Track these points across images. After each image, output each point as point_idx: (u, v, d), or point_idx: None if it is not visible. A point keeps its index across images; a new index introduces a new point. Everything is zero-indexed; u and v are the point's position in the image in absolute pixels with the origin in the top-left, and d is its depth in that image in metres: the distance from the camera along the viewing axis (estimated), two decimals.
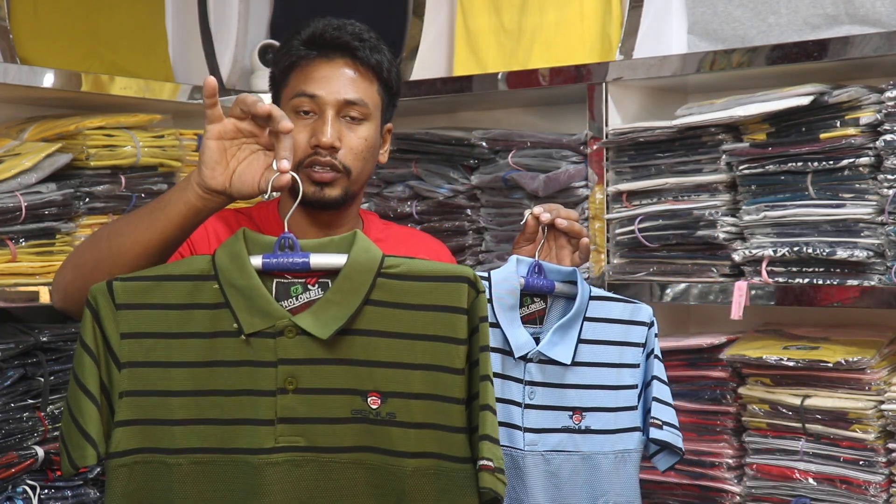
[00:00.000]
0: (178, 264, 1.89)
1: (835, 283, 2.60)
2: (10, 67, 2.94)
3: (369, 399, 1.83)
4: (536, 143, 3.04)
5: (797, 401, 2.63)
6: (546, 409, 2.19)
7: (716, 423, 2.77)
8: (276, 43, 3.67)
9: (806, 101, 2.59)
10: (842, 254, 2.57)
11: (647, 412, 2.27)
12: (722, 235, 2.75)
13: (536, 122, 3.25)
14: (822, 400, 2.61)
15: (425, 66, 3.45)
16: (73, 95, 3.07)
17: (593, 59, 3.12)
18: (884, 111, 2.52)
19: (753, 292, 2.68)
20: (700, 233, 2.77)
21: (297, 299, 1.86)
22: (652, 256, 2.85)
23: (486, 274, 2.18)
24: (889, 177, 2.51)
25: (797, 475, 2.64)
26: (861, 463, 2.56)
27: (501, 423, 1.94)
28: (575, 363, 2.20)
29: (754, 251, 2.70)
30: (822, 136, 2.59)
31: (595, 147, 2.92)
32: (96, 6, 3.34)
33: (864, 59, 2.58)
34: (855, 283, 2.58)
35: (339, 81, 2.28)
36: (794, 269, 2.66)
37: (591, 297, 2.25)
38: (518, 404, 2.17)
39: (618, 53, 3.10)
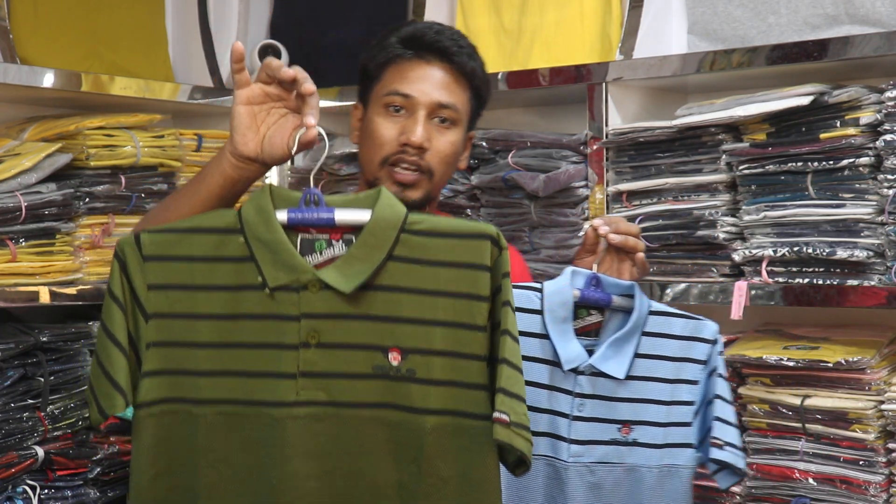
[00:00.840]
0: (205, 217, 1.90)
1: (835, 283, 2.60)
2: (10, 67, 2.95)
3: (390, 355, 1.84)
4: (536, 143, 3.04)
5: (797, 401, 2.63)
6: (595, 421, 2.21)
7: None
8: (276, 43, 3.67)
9: (806, 101, 2.59)
10: (842, 254, 2.57)
11: (707, 431, 2.27)
12: (722, 235, 2.75)
13: (536, 122, 3.26)
14: (822, 400, 2.61)
15: None
16: (73, 95, 3.07)
17: (593, 59, 3.12)
18: (884, 111, 2.52)
19: (753, 292, 2.69)
20: (700, 233, 2.78)
21: (321, 254, 1.87)
22: (652, 256, 2.83)
23: (539, 285, 2.23)
24: (889, 177, 2.52)
25: (797, 475, 2.64)
26: (861, 463, 2.56)
27: (547, 434, 2.15)
28: (629, 377, 2.22)
29: (754, 251, 2.70)
30: (822, 136, 2.60)
31: (595, 147, 2.92)
32: (96, 6, 3.34)
33: (864, 59, 2.58)
34: (855, 283, 2.58)
35: (433, 83, 2.31)
36: (794, 269, 2.66)
37: (652, 312, 2.26)
38: (566, 416, 2.20)
39: (618, 53, 3.10)
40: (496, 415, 1.83)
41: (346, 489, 1.84)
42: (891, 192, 2.51)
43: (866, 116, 2.55)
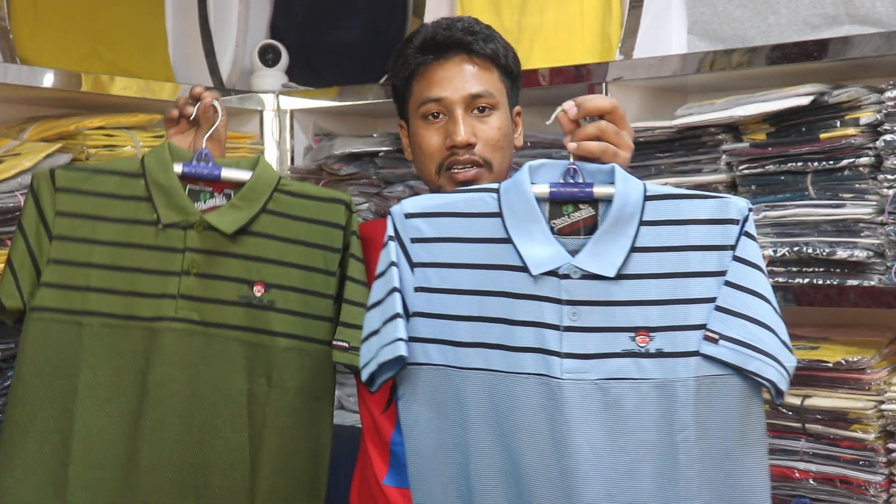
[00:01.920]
0: (113, 162, 2.30)
1: (835, 283, 2.60)
2: (10, 67, 2.95)
3: (255, 288, 2.23)
4: (536, 143, 3.04)
5: (797, 401, 2.63)
6: (597, 331, 1.87)
7: None
8: (276, 43, 3.68)
9: (806, 101, 2.59)
10: (842, 254, 2.57)
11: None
12: None
13: (536, 122, 3.25)
14: (822, 400, 2.61)
15: None
16: (73, 95, 3.08)
17: (593, 59, 3.12)
18: (884, 111, 2.52)
19: None
20: None
21: (204, 203, 2.25)
22: None
23: (496, 186, 1.96)
24: (889, 177, 2.52)
25: (797, 475, 2.64)
26: (861, 463, 2.56)
27: (533, 350, 1.88)
28: (628, 276, 1.88)
29: None
30: (822, 136, 2.60)
31: None
32: (96, 6, 3.35)
33: (864, 59, 2.58)
34: (855, 283, 2.58)
35: (460, 78, 2.29)
36: (794, 269, 2.66)
37: (651, 197, 1.90)
38: (555, 327, 1.87)
39: (618, 53, 3.10)
40: (335, 342, 2.25)
41: (204, 395, 2.20)
42: (891, 192, 2.51)
43: (866, 116, 2.55)
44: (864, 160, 2.55)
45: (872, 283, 2.56)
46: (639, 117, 2.96)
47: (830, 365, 2.58)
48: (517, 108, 2.43)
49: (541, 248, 1.90)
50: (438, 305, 1.93)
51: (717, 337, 1.86)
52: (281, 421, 2.27)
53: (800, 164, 2.63)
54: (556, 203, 1.94)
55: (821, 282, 2.62)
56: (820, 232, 2.63)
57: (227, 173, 2.24)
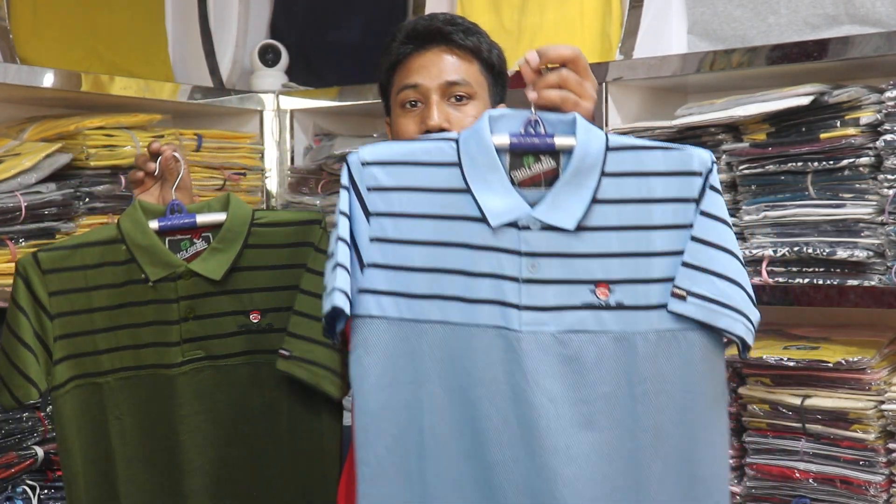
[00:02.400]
0: (89, 234, 2.32)
1: (835, 283, 2.60)
2: (10, 67, 2.96)
3: (251, 316, 2.32)
4: None
5: (797, 401, 2.63)
6: (557, 283, 1.85)
7: None
8: (276, 43, 3.69)
9: (806, 101, 2.59)
10: (842, 254, 2.57)
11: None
12: None
13: None
14: (823, 400, 2.61)
15: None
16: (72, 95, 3.09)
17: (593, 59, 3.08)
18: (884, 111, 2.53)
19: (754, 292, 2.67)
20: None
21: (186, 251, 2.30)
22: None
23: (455, 135, 1.93)
24: (889, 177, 2.52)
25: (797, 475, 2.64)
26: (861, 463, 2.56)
27: (491, 301, 1.85)
28: (589, 228, 1.85)
29: (754, 251, 2.70)
30: (822, 136, 2.60)
31: None
32: (96, 6, 3.35)
33: (864, 59, 2.59)
34: (855, 283, 2.58)
35: (437, 66, 2.28)
36: (795, 269, 2.66)
37: (614, 148, 1.87)
38: (514, 279, 1.85)
39: (618, 53, 3.11)
40: (280, 350, 2.29)
41: (227, 417, 2.31)
42: (891, 192, 2.52)
43: (866, 116, 2.55)
44: (864, 160, 2.55)
45: (873, 283, 2.56)
46: (639, 117, 2.97)
47: (831, 365, 2.58)
48: (502, 105, 2.40)
49: (500, 199, 1.87)
50: (394, 257, 1.90)
51: (684, 293, 1.83)
52: (300, 425, 2.36)
53: (800, 164, 2.63)
54: (516, 154, 1.90)
55: (821, 282, 2.62)
56: (820, 232, 2.63)
57: (202, 218, 2.30)
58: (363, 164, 1.92)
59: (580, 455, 1.83)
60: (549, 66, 1.93)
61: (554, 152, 1.89)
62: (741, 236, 2.75)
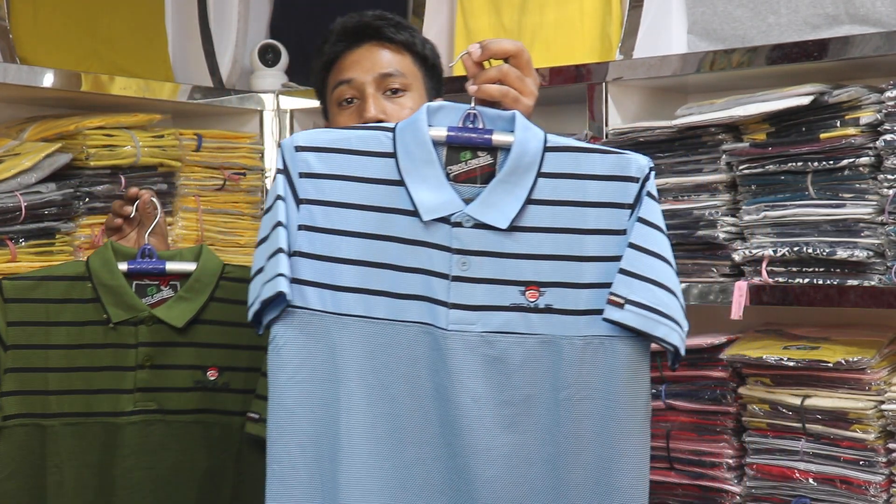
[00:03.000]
0: (58, 267, 2.33)
1: (835, 283, 2.61)
2: (10, 67, 2.96)
3: (209, 372, 2.28)
4: None
5: (797, 401, 2.63)
6: (487, 282, 1.83)
7: (716, 424, 2.77)
8: (276, 43, 3.70)
9: (806, 100, 2.59)
10: (842, 254, 2.57)
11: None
12: (722, 235, 2.76)
13: (536, 122, 3.26)
14: (823, 400, 2.61)
15: None
16: (72, 95, 3.09)
17: (593, 59, 3.13)
18: (884, 111, 2.53)
19: (753, 292, 2.69)
20: (700, 233, 2.78)
21: (152, 297, 2.29)
22: None
23: (392, 125, 1.91)
24: (889, 177, 2.52)
25: (797, 475, 2.64)
26: (861, 463, 2.57)
27: (420, 298, 1.83)
28: (522, 228, 1.84)
29: (754, 251, 2.70)
30: (822, 135, 2.60)
31: None
32: (96, 6, 3.35)
33: (865, 58, 2.59)
34: (855, 283, 2.58)
35: (370, 60, 2.27)
36: (795, 269, 2.67)
37: (551, 148, 1.86)
38: (444, 276, 1.83)
39: (618, 53, 3.11)
40: (248, 414, 2.26)
41: (169, 478, 2.25)
42: (891, 191, 2.52)
43: (866, 116, 2.55)
44: (864, 160, 2.56)
45: (873, 282, 2.56)
46: (639, 117, 2.98)
47: (830, 365, 2.58)
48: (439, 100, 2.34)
49: (434, 194, 1.84)
50: (322, 246, 1.85)
51: (622, 301, 1.81)
52: (247, 496, 2.30)
53: (800, 163, 2.64)
54: (453, 148, 1.87)
55: (821, 282, 2.63)
56: (820, 232, 2.63)
57: (172, 266, 2.30)
58: (297, 148, 1.88)
59: (500, 457, 1.81)
60: (493, 60, 1.92)
61: (491, 148, 1.87)
62: (741, 236, 2.76)
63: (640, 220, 1.83)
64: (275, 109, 3.54)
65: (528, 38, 3.28)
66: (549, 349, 1.82)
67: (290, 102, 3.54)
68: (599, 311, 1.82)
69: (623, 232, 1.83)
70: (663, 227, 1.84)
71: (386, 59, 2.27)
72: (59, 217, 2.96)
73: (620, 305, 1.80)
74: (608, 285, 1.82)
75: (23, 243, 2.89)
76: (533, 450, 1.83)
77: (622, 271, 1.81)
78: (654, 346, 1.87)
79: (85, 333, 2.24)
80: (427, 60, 2.33)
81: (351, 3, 3.63)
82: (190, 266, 2.30)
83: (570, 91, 3.02)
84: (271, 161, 3.54)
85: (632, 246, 1.82)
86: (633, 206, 1.84)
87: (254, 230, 3.39)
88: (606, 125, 2.92)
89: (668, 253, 1.84)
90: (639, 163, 1.86)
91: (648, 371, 1.86)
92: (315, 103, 3.48)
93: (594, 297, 1.82)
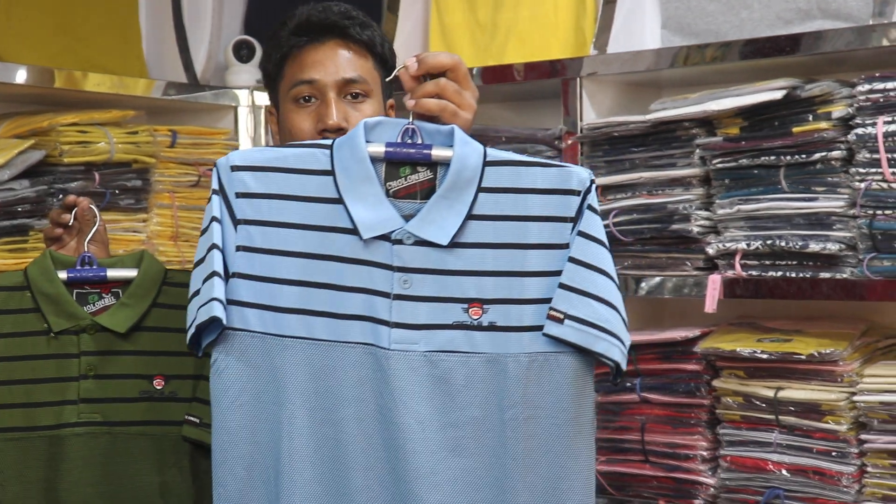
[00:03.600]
0: None
1: (807, 275, 2.63)
2: None
3: (155, 382, 2.21)
4: (511, 138, 3.06)
5: (771, 393, 2.65)
6: (429, 300, 1.80)
7: (690, 416, 2.79)
8: (250, 38, 3.69)
9: (778, 95, 2.61)
10: (814, 247, 2.59)
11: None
12: (696, 229, 2.77)
13: (511, 117, 3.28)
14: (796, 392, 2.63)
15: (400, 62, 3.45)
16: (46, 92, 3.09)
17: (567, 55, 3.13)
18: (855, 105, 2.55)
19: (727, 285, 2.71)
20: (674, 227, 2.80)
21: (94, 305, 2.24)
22: (626, 251, 2.87)
23: (329, 142, 1.88)
24: (860, 170, 2.54)
25: (771, 467, 2.66)
26: (834, 454, 2.59)
27: (361, 317, 1.80)
28: (463, 244, 1.81)
29: (728, 245, 2.72)
30: (795, 129, 2.62)
31: (570, 142, 2.94)
32: (70, 3, 3.34)
33: (836, 53, 2.61)
34: (827, 275, 2.60)
35: (334, 62, 2.23)
36: (768, 263, 2.69)
37: (492, 163, 1.83)
38: (385, 294, 1.80)
39: (592, 48, 3.11)
40: (187, 417, 2.21)
41: (116, 493, 2.19)
42: (862, 185, 2.54)
43: (838, 110, 2.57)
44: (836, 154, 2.58)
45: (845, 275, 2.58)
46: (613, 112, 2.98)
47: (803, 357, 2.60)
48: (391, 102, 2.35)
49: (373, 211, 1.81)
50: (261, 267, 1.82)
51: (561, 316, 1.78)
52: None
53: (773, 157, 2.65)
54: (392, 164, 1.84)
55: (794, 275, 2.64)
56: (793, 225, 2.65)
57: (113, 273, 2.24)
58: (232, 168, 1.85)
59: (446, 481, 1.78)
60: (430, 74, 1.90)
61: (431, 164, 1.84)
62: (715, 230, 2.77)
63: (581, 233, 1.81)
64: (250, 105, 3.54)
65: (502, 34, 3.29)
66: (493, 368, 1.79)
67: (265, 98, 3.51)
68: (541, 328, 1.80)
69: (566, 246, 1.81)
70: (605, 241, 1.83)
71: (349, 63, 2.24)
72: (33, 214, 2.96)
73: (560, 320, 1.78)
74: (548, 300, 1.80)
75: None
76: (479, 473, 1.80)
77: (562, 286, 1.79)
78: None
79: (25, 344, 2.18)
80: (386, 62, 2.31)
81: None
82: (131, 272, 2.24)
83: (545, 86, 3.03)
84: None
85: (572, 260, 1.80)
86: (574, 220, 1.81)
87: None
88: (581, 120, 2.93)
89: (609, 267, 1.83)
90: (580, 176, 1.83)
91: (592, 386, 1.84)
92: None
93: (538, 313, 1.80)
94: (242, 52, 3.67)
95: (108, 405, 2.18)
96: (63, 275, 2.22)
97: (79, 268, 2.23)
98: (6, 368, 2.17)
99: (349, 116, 2.20)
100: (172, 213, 3.30)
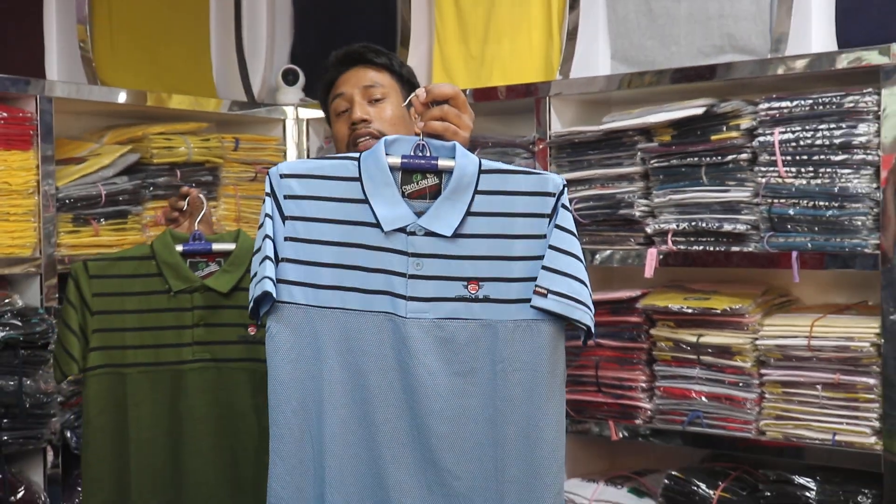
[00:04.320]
0: (128, 250, 2.33)
1: (722, 249, 2.63)
2: (93, 88, 3.00)
3: (249, 329, 2.24)
4: (496, 143, 3.04)
5: (694, 339, 2.67)
6: (436, 279, 1.80)
7: (633, 357, 2.79)
8: (296, 67, 3.67)
9: (700, 111, 2.62)
10: (727, 227, 2.60)
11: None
12: (638, 213, 2.77)
13: (496, 127, 3.22)
14: (713, 338, 2.65)
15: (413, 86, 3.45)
16: (140, 109, 3.11)
17: (539, 79, 3.12)
18: (758, 119, 2.56)
19: (661, 257, 2.71)
20: (621, 211, 2.79)
21: (202, 271, 2.28)
22: (584, 230, 2.84)
23: (357, 155, 1.86)
24: (762, 169, 2.55)
25: (693, 395, 2.68)
26: (741, 385, 2.61)
27: (383, 292, 1.81)
28: (463, 235, 1.81)
29: (662, 225, 2.72)
30: (713, 137, 2.62)
31: (541, 146, 2.92)
32: (157, 40, 3.36)
33: (743, 79, 2.61)
34: (737, 249, 2.61)
35: (357, 76, 2.24)
36: (692, 239, 2.69)
37: (486, 171, 1.83)
38: (402, 275, 1.80)
39: (558, 74, 3.10)
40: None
41: (222, 412, 2.25)
42: (763, 180, 2.55)
43: (745, 123, 2.58)
44: (743, 156, 2.59)
45: (750, 249, 2.60)
46: (574, 123, 2.96)
47: (719, 311, 2.62)
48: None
49: (392, 209, 1.82)
50: (304, 253, 1.82)
51: (545, 292, 1.78)
52: None
53: (696, 159, 2.65)
54: (407, 172, 1.84)
55: (712, 248, 2.65)
56: (711, 210, 2.65)
57: (217, 246, 2.28)
58: (281, 176, 1.84)
59: (452, 417, 1.79)
60: (435, 101, 1.90)
61: (437, 172, 1.84)
62: (652, 214, 2.75)
63: (557, 226, 1.80)
64: (294, 118, 3.53)
65: (488, 63, 3.28)
66: (487, 331, 1.80)
67: (307, 113, 3.53)
68: (527, 300, 1.79)
69: (544, 236, 1.80)
70: (575, 232, 1.83)
71: (368, 76, 2.24)
72: (130, 202, 3.00)
73: (545, 295, 1.78)
74: (533, 279, 1.79)
75: (103, 222, 2.93)
76: (477, 411, 1.80)
77: (545, 268, 1.79)
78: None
79: (152, 300, 2.25)
80: (403, 77, 2.30)
81: (354, 36, 3.65)
82: (230, 245, 2.28)
83: (521, 104, 3.01)
84: (292, 158, 3.51)
85: (552, 248, 1.80)
86: (550, 216, 1.81)
87: None
88: (549, 129, 2.91)
89: (579, 252, 1.82)
90: (555, 181, 1.82)
91: (564, 346, 1.84)
92: (323, 113, 3.53)
93: (523, 289, 1.79)
94: (289, 77, 3.66)
95: (214, 346, 2.24)
96: (179, 248, 2.26)
97: (191, 242, 2.27)
98: (139, 319, 2.23)
99: (371, 112, 2.19)
100: (236, 202, 3.31)
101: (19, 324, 2.68)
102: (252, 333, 2.24)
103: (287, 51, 3.85)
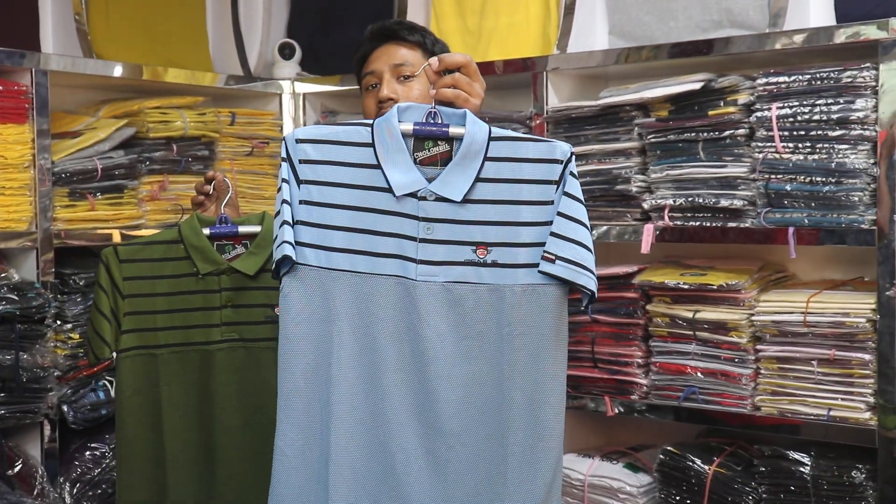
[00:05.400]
0: (158, 234, 2.35)
1: (719, 225, 2.64)
2: (89, 61, 3.00)
3: (275, 309, 2.23)
4: (494, 119, 3.04)
5: (690, 314, 2.68)
6: (446, 243, 1.82)
7: (629, 332, 2.80)
8: (292, 41, 3.67)
9: (697, 86, 2.62)
10: (724, 203, 2.61)
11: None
12: (634, 189, 2.78)
13: (494, 102, 3.20)
14: (709, 313, 2.66)
15: None
16: (136, 83, 3.11)
17: (536, 54, 3.12)
18: (755, 94, 2.56)
19: (658, 232, 2.72)
20: (618, 187, 2.80)
21: (229, 253, 2.30)
22: None
23: (371, 122, 1.88)
24: (759, 144, 2.56)
25: (689, 370, 2.69)
26: (736, 361, 2.62)
27: (394, 256, 1.82)
28: (472, 200, 1.82)
29: (659, 201, 2.73)
30: (710, 113, 2.62)
31: (538, 121, 2.93)
32: (154, 15, 3.36)
33: (741, 54, 2.61)
34: (734, 225, 2.62)
35: (388, 54, 2.22)
36: (689, 215, 2.70)
37: (496, 138, 1.85)
38: (413, 238, 1.82)
39: (555, 49, 3.11)
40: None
41: (251, 390, 2.28)
42: (760, 155, 2.55)
43: (743, 98, 2.58)
44: (741, 131, 2.59)
45: (747, 224, 2.60)
46: (571, 98, 2.97)
47: (715, 287, 2.63)
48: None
49: (404, 175, 1.83)
50: (318, 216, 1.84)
51: (553, 258, 1.80)
52: None
53: (693, 134, 2.66)
54: (419, 138, 1.85)
55: (708, 224, 2.66)
56: (708, 186, 2.66)
57: (243, 229, 2.31)
58: (297, 141, 1.86)
59: (459, 382, 1.80)
60: (447, 70, 1.91)
61: (448, 139, 1.85)
62: (649, 190, 2.76)
63: (565, 193, 1.82)
64: (291, 93, 3.53)
65: (486, 38, 3.27)
66: (495, 295, 1.81)
67: (303, 87, 3.53)
68: (534, 265, 1.81)
69: (551, 203, 1.82)
70: (582, 199, 1.84)
71: (399, 54, 2.21)
72: (126, 176, 3.00)
73: (552, 261, 1.80)
74: (541, 244, 1.81)
75: (99, 196, 2.93)
76: (484, 375, 1.81)
77: (553, 234, 1.81)
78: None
79: (181, 283, 2.27)
80: (435, 55, 2.20)
81: (351, 10, 3.66)
82: (256, 228, 2.31)
83: (519, 78, 3.01)
84: (287, 132, 3.50)
85: (560, 214, 1.81)
86: (558, 183, 1.82)
87: (274, 185, 3.37)
88: (546, 105, 2.91)
89: (585, 219, 1.84)
90: (563, 148, 1.84)
91: (567, 310, 1.85)
92: (321, 88, 3.51)
93: (530, 254, 1.81)
94: (285, 52, 3.66)
95: (242, 327, 2.28)
96: (206, 231, 2.29)
97: (217, 226, 2.30)
98: (168, 301, 2.27)
99: (398, 91, 2.18)
100: (232, 176, 3.29)
101: (16, 298, 2.68)
102: (278, 314, 2.21)
103: (284, 25, 3.85)
